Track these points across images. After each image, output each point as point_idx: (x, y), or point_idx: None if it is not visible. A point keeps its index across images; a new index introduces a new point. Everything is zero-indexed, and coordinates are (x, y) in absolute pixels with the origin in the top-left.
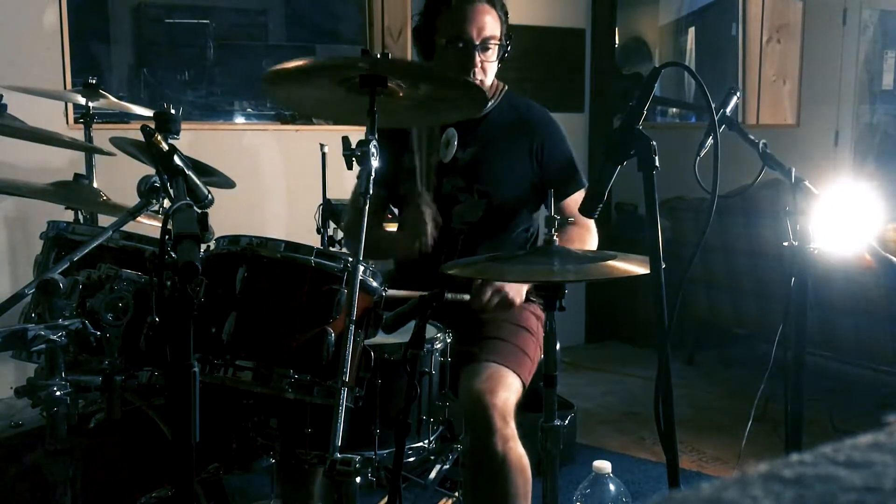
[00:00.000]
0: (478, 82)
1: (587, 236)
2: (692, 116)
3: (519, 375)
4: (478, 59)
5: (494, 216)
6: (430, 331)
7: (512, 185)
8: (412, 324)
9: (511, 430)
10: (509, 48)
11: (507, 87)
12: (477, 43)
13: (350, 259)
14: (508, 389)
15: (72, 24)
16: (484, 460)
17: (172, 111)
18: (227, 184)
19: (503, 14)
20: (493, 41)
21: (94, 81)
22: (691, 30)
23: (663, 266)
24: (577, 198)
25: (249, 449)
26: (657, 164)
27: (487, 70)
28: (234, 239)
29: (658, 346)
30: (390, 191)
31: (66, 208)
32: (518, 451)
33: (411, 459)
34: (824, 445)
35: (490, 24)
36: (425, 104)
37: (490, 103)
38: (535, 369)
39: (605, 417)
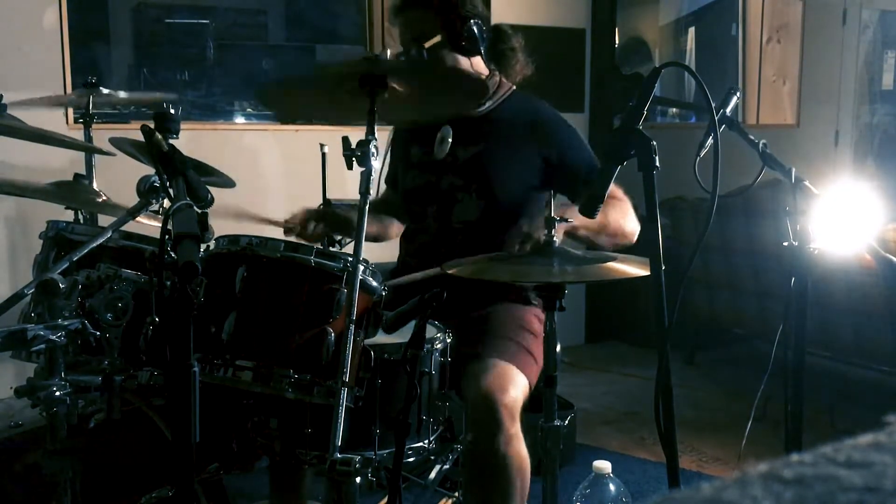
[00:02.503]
0: None
1: (628, 208)
2: (692, 116)
3: (526, 375)
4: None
5: (493, 216)
6: (430, 331)
7: (514, 186)
8: (412, 324)
9: (517, 429)
10: (471, 31)
11: (513, 88)
12: (404, 48)
13: (350, 259)
14: (517, 388)
15: (72, 25)
16: (487, 458)
17: (172, 111)
18: (227, 184)
19: (438, 3)
20: (425, 38)
21: (93, 81)
22: (691, 30)
23: (663, 266)
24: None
25: (249, 449)
26: (657, 164)
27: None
28: (234, 239)
29: (658, 346)
30: (397, 187)
31: (66, 208)
32: (521, 452)
33: (411, 459)
34: (824, 445)
35: (415, 24)
36: (423, 100)
37: (490, 102)
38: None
39: (605, 417)
